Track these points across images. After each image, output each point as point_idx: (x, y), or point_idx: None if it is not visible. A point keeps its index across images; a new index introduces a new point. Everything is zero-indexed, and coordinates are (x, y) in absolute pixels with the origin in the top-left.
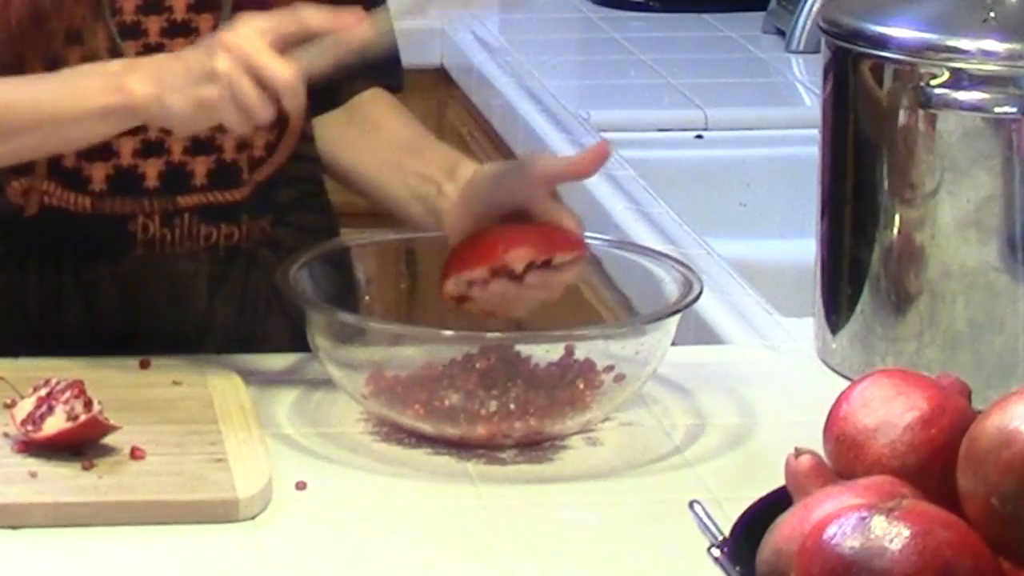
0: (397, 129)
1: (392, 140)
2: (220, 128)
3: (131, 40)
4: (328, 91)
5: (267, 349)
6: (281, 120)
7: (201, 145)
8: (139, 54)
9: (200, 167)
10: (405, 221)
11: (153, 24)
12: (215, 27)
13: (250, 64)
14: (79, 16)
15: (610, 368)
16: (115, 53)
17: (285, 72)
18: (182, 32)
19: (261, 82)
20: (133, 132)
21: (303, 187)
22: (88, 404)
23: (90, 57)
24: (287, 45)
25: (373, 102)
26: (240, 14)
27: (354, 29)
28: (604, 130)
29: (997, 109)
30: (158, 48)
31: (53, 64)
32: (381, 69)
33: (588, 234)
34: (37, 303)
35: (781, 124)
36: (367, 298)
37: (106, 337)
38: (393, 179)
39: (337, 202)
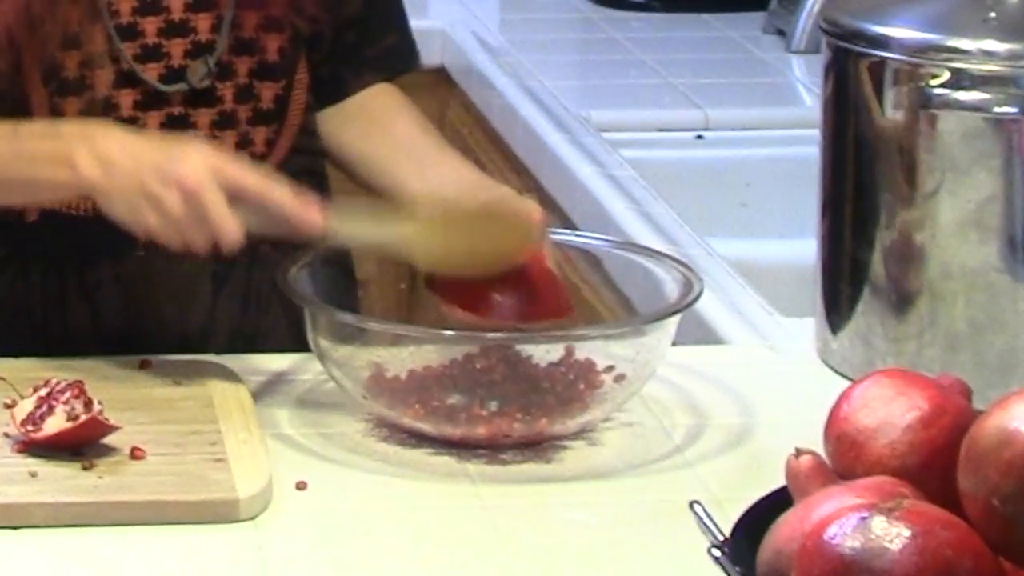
0: (412, 133)
1: (400, 145)
2: (220, 127)
3: (128, 41)
4: (333, 83)
5: (270, 345)
6: (280, 115)
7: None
8: (136, 56)
9: None
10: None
11: (150, 25)
12: (212, 28)
13: (200, 212)
14: (75, 20)
15: (610, 368)
16: (113, 55)
17: (231, 232)
18: (179, 32)
19: (206, 228)
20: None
21: (303, 180)
22: (88, 404)
23: (88, 61)
24: (239, 196)
25: (383, 99)
26: (238, 13)
27: (309, 222)
28: (604, 130)
29: (997, 109)
30: (156, 49)
31: (51, 68)
32: (391, 58)
33: (588, 234)
34: (41, 306)
35: (781, 124)
36: (367, 298)
37: (110, 339)
38: (409, 180)
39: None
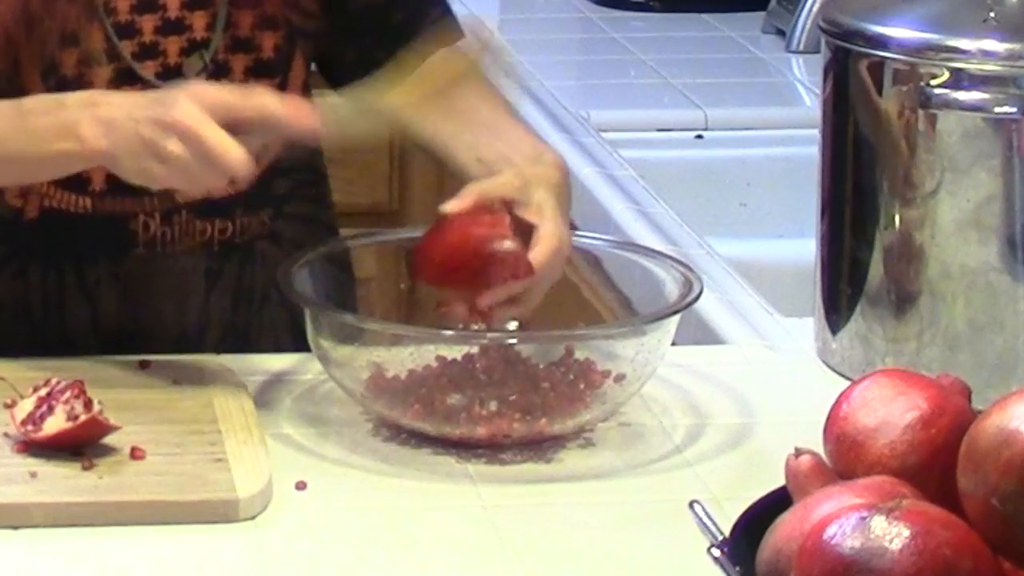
0: (473, 103)
1: (467, 116)
2: None
3: (126, 39)
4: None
5: (265, 342)
6: None
7: None
8: (134, 54)
9: None
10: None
11: (147, 23)
12: (208, 25)
13: (202, 149)
14: (72, 18)
15: (610, 368)
16: (112, 53)
17: (237, 156)
18: (176, 30)
19: (212, 162)
20: None
21: (298, 176)
22: (88, 404)
23: (86, 59)
24: (237, 123)
25: (442, 68)
26: (233, 11)
27: (304, 119)
28: (604, 130)
29: (997, 109)
30: (152, 47)
31: (49, 66)
32: (441, 28)
33: (588, 234)
34: (40, 305)
35: (781, 124)
36: (367, 298)
37: (108, 336)
38: (458, 155)
39: (338, 202)
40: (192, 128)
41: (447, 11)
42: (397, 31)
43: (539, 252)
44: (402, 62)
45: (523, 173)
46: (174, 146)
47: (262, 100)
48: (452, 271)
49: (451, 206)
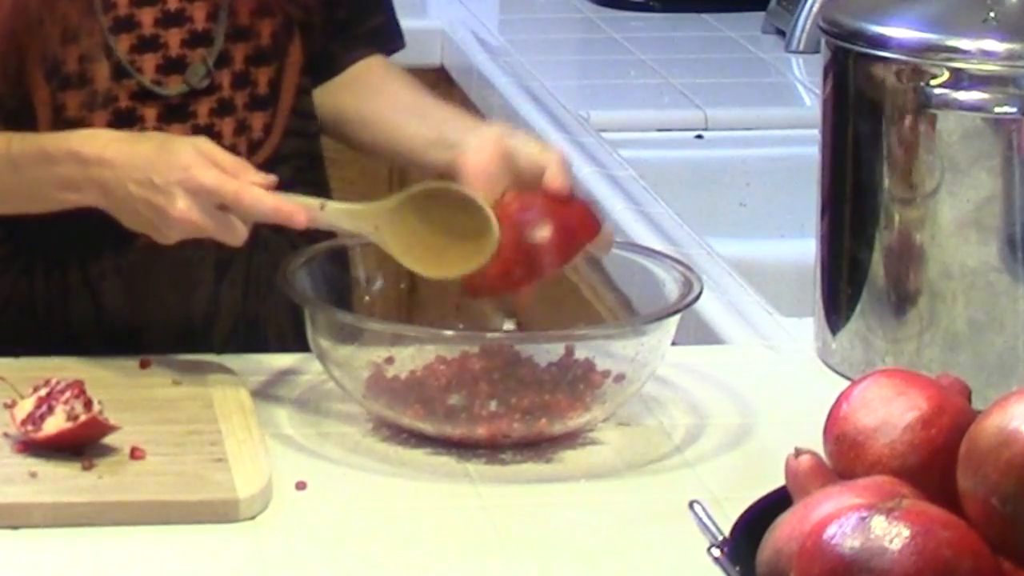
0: (400, 92)
1: (398, 101)
2: (219, 114)
3: (125, 33)
4: (326, 60)
5: (273, 332)
6: (274, 99)
7: (200, 133)
8: (133, 47)
9: None
10: (424, 166)
11: (147, 16)
12: (209, 16)
13: (200, 231)
14: (73, 15)
15: (610, 368)
16: (108, 51)
17: (235, 240)
18: (176, 22)
19: (211, 235)
20: (131, 124)
21: (298, 162)
22: (88, 404)
23: (87, 56)
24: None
25: (375, 68)
26: (235, 3)
27: (291, 221)
28: (604, 130)
29: (997, 109)
30: (153, 40)
31: (52, 66)
32: (379, 36)
33: None
34: (44, 301)
35: (781, 124)
36: (367, 298)
37: (114, 331)
38: (409, 127)
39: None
40: (188, 221)
41: (389, 21)
42: (337, 27)
43: (554, 165)
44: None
45: (517, 133)
46: (173, 229)
47: (254, 199)
48: (512, 277)
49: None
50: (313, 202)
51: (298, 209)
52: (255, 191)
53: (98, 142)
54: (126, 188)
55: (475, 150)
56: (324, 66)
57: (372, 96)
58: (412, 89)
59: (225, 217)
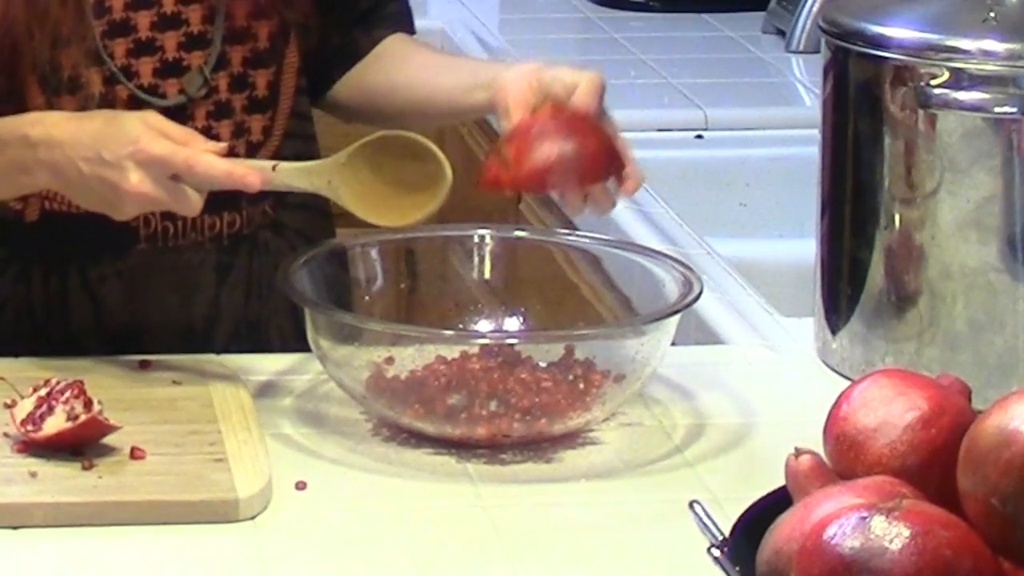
0: (427, 56)
1: (427, 64)
2: (217, 117)
3: (121, 37)
4: (350, 48)
5: (275, 333)
6: (273, 102)
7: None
8: (129, 51)
9: None
10: (466, 111)
11: (143, 19)
12: (205, 19)
13: (156, 203)
14: (66, 22)
15: (610, 368)
16: (101, 57)
17: (191, 206)
18: (173, 25)
19: (167, 206)
20: None
21: None
22: (88, 404)
23: (80, 61)
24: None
25: (396, 43)
26: (229, 2)
27: (245, 184)
28: None
29: (997, 109)
30: (149, 43)
31: (46, 72)
32: (396, 18)
33: (588, 234)
34: (44, 305)
35: (781, 124)
36: (367, 298)
37: (114, 335)
38: (445, 80)
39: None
40: (142, 194)
41: (403, 6)
42: (360, 17)
43: (632, 169)
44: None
45: (552, 64)
46: (128, 204)
47: (206, 165)
48: (521, 180)
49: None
50: (266, 164)
51: (251, 171)
52: (207, 157)
53: (46, 123)
54: (76, 167)
55: (512, 82)
56: (347, 54)
57: (400, 66)
58: (437, 52)
59: (179, 188)
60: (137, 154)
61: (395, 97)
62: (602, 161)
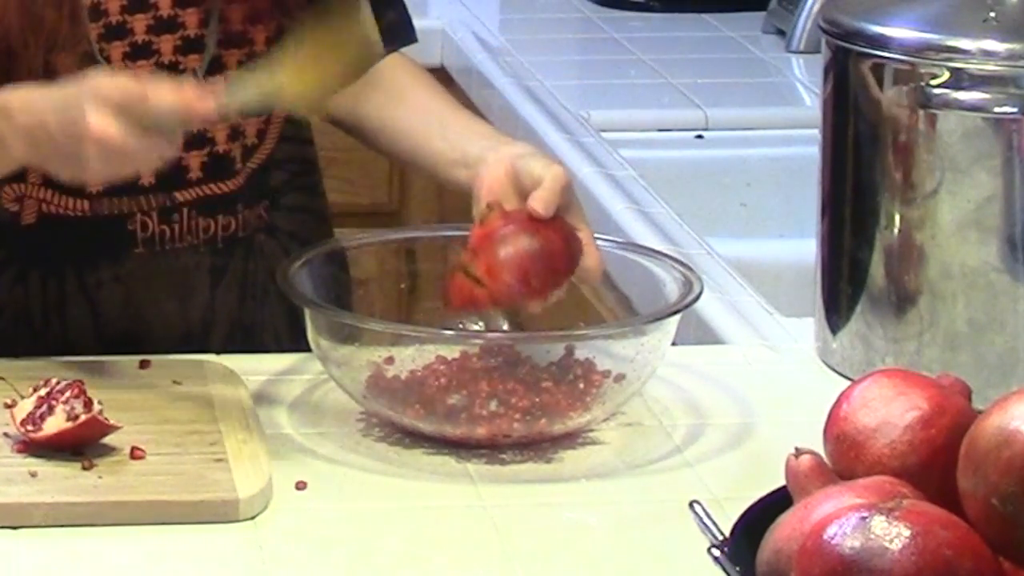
0: (425, 98)
1: (420, 111)
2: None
3: (117, 41)
4: None
5: (270, 336)
6: None
7: (195, 139)
8: (126, 55)
9: (195, 161)
10: (446, 183)
11: (139, 23)
12: (201, 22)
13: (118, 151)
14: (62, 26)
15: (610, 368)
16: (96, 60)
17: (151, 156)
18: (169, 28)
19: (130, 159)
20: None
21: (292, 168)
22: (88, 404)
23: (78, 64)
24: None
25: (396, 69)
26: (225, 6)
27: (198, 106)
28: (604, 130)
29: (997, 109)
30: (145, 47)
31: (42, 75)
32: (395, 31)
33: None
34: (41, 309)
35: (781, 124)
36: (367, 298)
37: (111, 339)
38: (432, 143)
39: (338, 202)
40: (104, 136)
41: (402, 15)
42: None
43: (591, 261)
44: (300, 39)
45: (533, 152)
46: (92, 151)
47: (158, 94)
48: (480, 294)
49: (492, 211)
50: (216, 87)
51: (203, 95)
52: (160, 87)
53: (20, 92)
54: (44, 126)
55: (489, 169)
56: None
57: (395, 103)
58: (433, 94)
59: (144, 131)
60: (94, 91)
61: (382, 138)
62: (568, 258)
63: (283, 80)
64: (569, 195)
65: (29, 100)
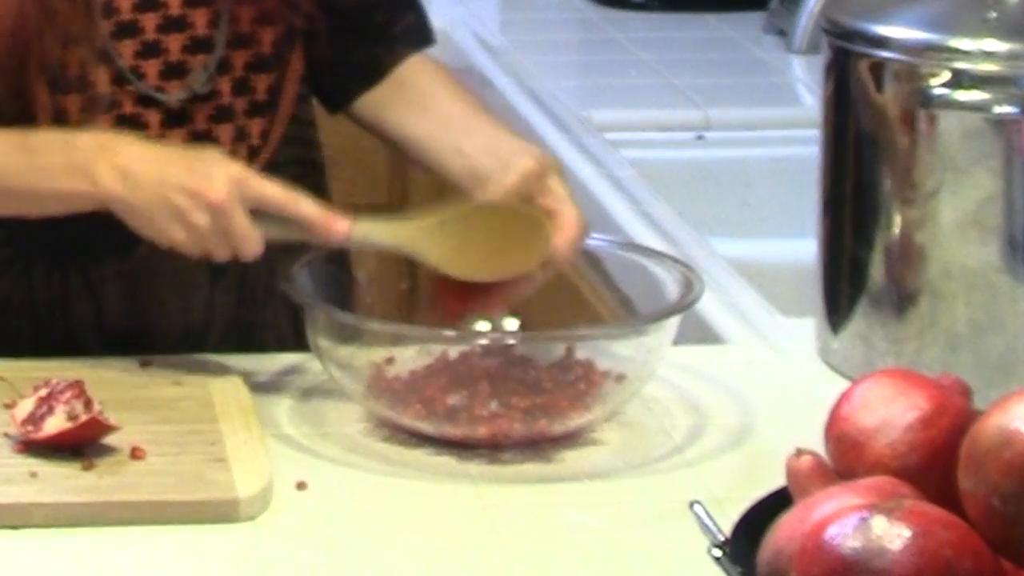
0: (446, 104)
1: (443, 116)
2: (218, 120)
3: (128, 39)
4: (370, 65)
5: (269, 337)
6: (273, 106)
7: (199, 138)
8: (137, 52)
9: None
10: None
11: (149, 21)
12: (210, 22)
13: (228, 231)
14: (75, 22)
15: (610, 368)
16: (108, 56)
17: (253, 246)
18: (177, 28)
19: (232, 244)
20: (133, 128)
21: (295, 170)
22: (88, 404)
23: (88, 61)
24: (263, 208)
25: (418, 72)
26: (234, 7)
27: (332, 234)
28: (604, 130)
29: (997, 109)
30: (154, 45)
31: (54, 70)
32: (415, 33)
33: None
34: (45, 305)
35: (781, 124)
36: (367, 298)
37: (113, 335)
38: (453, 163)
39: (338, 202)
40: (222, 208)
41: (420, 18)
42: (378, 31)
43: (563, 239)
44: (381, 67)
45: (540, 160)
46: (202, 220)
47: (297, 205)
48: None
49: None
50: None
51: (338, 219)
52: (302, 198)
53: (129, 140)
54: (160, 181)
55: (493, 187)
56: (370, 71)
57: (417, 114)
58: (454, 99)
59: (249, 218)
60: (234, 174)
61: (406, 146)
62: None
63: (427, 244)
64: (541, 181)
65: (136, 147)
